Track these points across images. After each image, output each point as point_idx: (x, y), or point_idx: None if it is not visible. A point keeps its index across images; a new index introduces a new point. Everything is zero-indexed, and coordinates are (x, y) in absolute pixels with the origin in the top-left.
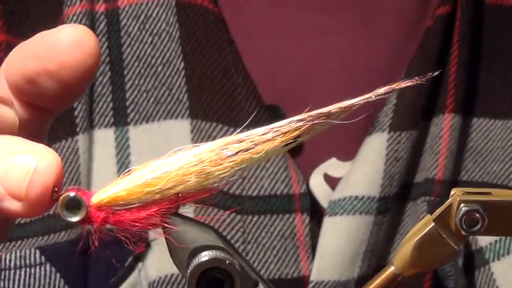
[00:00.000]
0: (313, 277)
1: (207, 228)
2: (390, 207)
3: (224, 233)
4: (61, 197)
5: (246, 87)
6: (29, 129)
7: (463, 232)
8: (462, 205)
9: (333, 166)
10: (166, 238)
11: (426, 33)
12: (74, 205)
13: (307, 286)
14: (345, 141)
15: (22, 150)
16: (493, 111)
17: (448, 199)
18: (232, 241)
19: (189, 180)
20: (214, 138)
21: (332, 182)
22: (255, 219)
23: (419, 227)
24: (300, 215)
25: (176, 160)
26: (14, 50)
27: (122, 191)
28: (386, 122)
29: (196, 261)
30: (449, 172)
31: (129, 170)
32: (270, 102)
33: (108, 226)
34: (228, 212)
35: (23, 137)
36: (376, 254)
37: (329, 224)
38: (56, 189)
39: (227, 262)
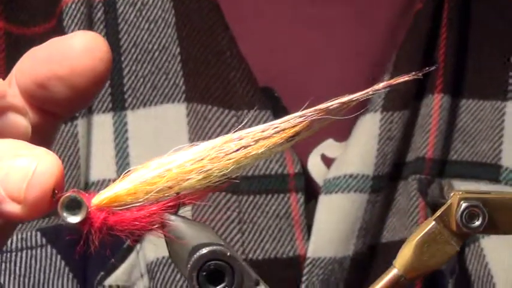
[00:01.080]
0: (310, 254)
1: (206, 227)
2: (383, 186)
3: (220, 213)
4: (61, 198)
5: (240, 70)
6: (38, 134)
7: (464, 229)
8: (462, 202)
9: (329, 147)
10: (166, 237)
11: (416, 16)
12: (74, 206)
13: (302, 265)
14: (340, 122)
15: (23, 153)
16: (481, 92)
17: (438, 177)
18: (228, 221)
19: (189, 179)
20: (210, 121)
21: (329, 162)
22: (250, 199)
23: (420, 229)
24: (294, 195)
25: (176, 159)
26: (25, 55)
27: (121, 190)
28: (379, 103)
29: (197, 254)
30: (439, 151)
31: (128, 170)
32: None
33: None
34: (229, 193)
35: (32, 141)
36: (371, 231)
37: (324, 202)
38: (57, 191)
39: (228, 254)
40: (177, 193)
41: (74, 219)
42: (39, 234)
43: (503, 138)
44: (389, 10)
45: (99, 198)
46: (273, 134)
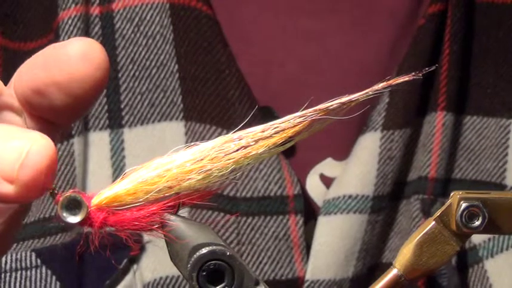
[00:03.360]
0: (308, 276)
1: (206, 227)
2: (384, 206)
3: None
4: (61, 198)
5: (239, 88)
6: None
7: (464, 229)
8: (462, 202)
9: (328, 166)
10: (166, 237)
11: (418, 32)
12: (74, 206)
13: (302, 287)
14: (340, 141)
15: (17, 135)
16: (486, 109)
17: (441, 196)
18: (227, 242)
19: (189, 179)
20: (208, 140)
21: (328, 182)
22: (249, 220)
23: (420, 229)
24: (293, 216)
25: (176, 159)
26: (24, 63)
27: (121, 190)
28: (379, 121)
29: (197, 254)
30: (442, 170)
31: (129, 170)
32: (263, 104)
33: (106, 229)
34: (228, 214)
35: None
36: (371, 252)
37: (324, 223)
38: (56, 191)
39: (228, 254)
40: (177, 193)
41: (73, 219)
42: (33, 255)
43: (507, 157)
44: (390, 24)
45: (99, 198)
46: (273, 134)
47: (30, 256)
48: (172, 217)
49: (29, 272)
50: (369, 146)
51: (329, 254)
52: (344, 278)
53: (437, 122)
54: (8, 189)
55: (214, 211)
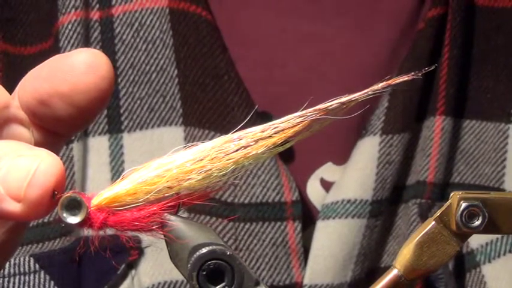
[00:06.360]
0: (307, 280)
1: (206, 228)
2: (383, 210)
3: None
4: (61, 198)
5: (238, 94)
6: None
7: (464, 229)
8: (462, 201)
9: (328, 171)
10: (166, 237)
11: (418, 36)
12: (74, 206)
13: None
14: (339, 145)
15: (25, 153)
16: (485, 113)
17: (439, 201)
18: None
19: (189, 179)
20: None
21: (328, 186)
22: (246, 226)
23: (420, 229)
24: (291, 223)
25: (176, 159)
26: (28, 73)
27: (121, 191)
28: (378, 126)
29: (197, 254)
30: (441, 174)
31: (129, 170)
32: (264, 108)
33: (106, 230)
34: (226, 220)
35: None
36: (369, 257)
37: (322, 228)
38: (57, 192)
39: (228, 253)
40: (177, 193)
41: (73, 219)
42: (32, 260)
43: (506, 162)
44: (391, 28)
45: (99, 199)
46: (273, 134)
47: (29, 261)
48: (173, 217)
49: (27, 277)
50: (368, 151)
51: (327, 259)
52: (342, 282)
53: (436, 127)
54: (15, 207)
55: (212, 217)
